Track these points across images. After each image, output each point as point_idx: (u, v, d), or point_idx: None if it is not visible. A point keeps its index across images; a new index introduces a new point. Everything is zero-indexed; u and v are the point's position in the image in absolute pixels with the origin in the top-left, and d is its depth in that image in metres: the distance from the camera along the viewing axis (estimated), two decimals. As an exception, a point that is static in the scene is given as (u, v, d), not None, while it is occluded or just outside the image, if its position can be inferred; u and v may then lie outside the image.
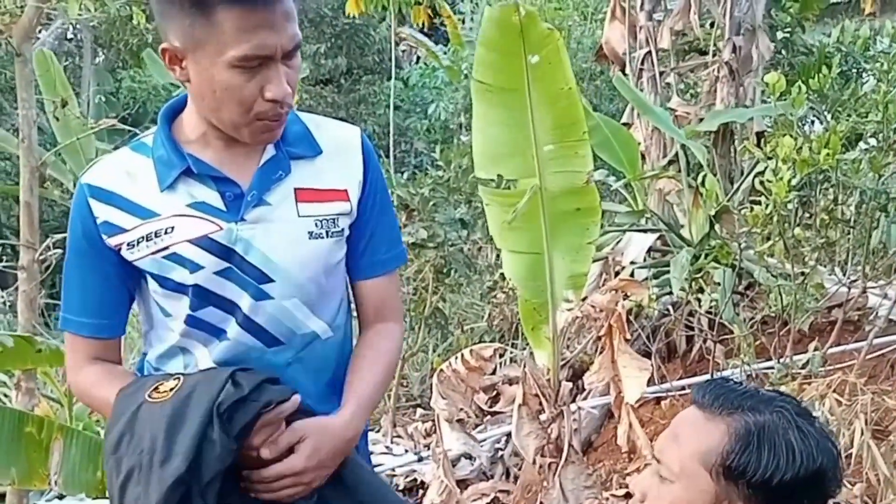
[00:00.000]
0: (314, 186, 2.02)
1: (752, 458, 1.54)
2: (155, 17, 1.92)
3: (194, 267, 1.93)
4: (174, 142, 1.95)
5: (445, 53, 13.55)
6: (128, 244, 1.94)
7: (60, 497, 4.61)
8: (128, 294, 2.04)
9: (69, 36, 15.68)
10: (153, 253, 1.93)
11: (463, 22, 12.72)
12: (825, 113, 5.61)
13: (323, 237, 2.02)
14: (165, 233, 1.93)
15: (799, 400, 1.71)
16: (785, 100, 4.24)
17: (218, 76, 1.81)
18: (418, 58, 15.32)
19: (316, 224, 2.01)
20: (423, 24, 9.79)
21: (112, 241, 1.94)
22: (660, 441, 1.67)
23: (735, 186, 5.86)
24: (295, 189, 2.00)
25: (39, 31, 12.20)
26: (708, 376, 4.67)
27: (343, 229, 2.06)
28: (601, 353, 3.98)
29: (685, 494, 1.58)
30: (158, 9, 1.86)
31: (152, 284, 1.98)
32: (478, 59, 3.85)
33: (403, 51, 15.59)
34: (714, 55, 6.46)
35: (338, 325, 2.13)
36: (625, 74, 6.77)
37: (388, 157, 9.32)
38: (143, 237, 1.93)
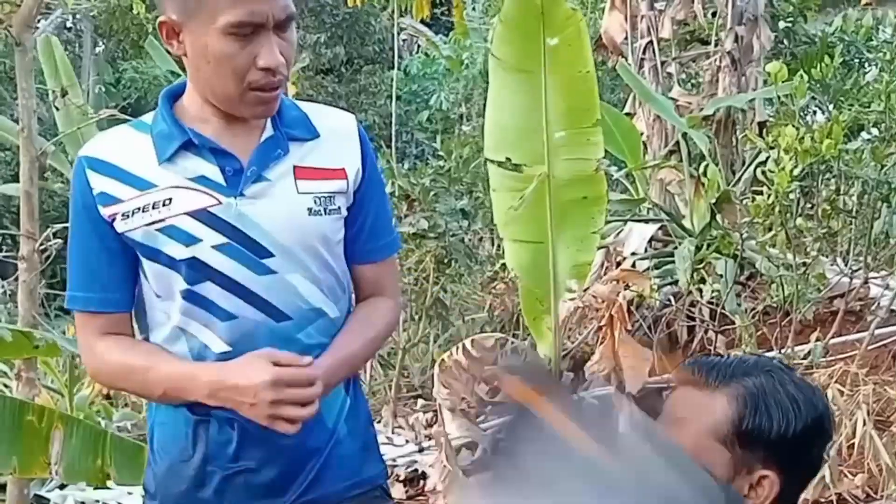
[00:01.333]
0: (313, 165, 2.03)
1: (763, 418, 1.55)
2: None
3: (191, 240, 1.93)
4: (175, 118, 1.96)
5: (446, 43, 13.52)
6: (122, 214, 1.93)
7: (62, 486, 4.61)
8: (131, 268, 2.01)
9: (69, 25, 15.66)
10: (147, 224, 1.92)
11: (464, 10, 12.69)
12: (827, 103, 5.60)
13: (321, 214, 2.02)
14: (163, 205, 1.92)
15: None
16: (787, 91, 4.23)
17: (211, 45, 1.83)
18: (419, 47, 15.30)
19: (314, 201, 2.02)
20: (426, 16, 9.77)
21: (107, 212, 1.93)
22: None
23: (737, 176, 5.85)
24: (294, 167, 2.01)
25: (39, 21, 12.17)
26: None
27: (340, 208, 2.06)
28: (602, 343, 3.98)
29: None
30: None
31: (146, 261, 1.97)
32: (497, 34, 3.83)
33: (404, 40, 15.56)
34: (716, 45, 6.45)
35: (344, 304, 2.13)
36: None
37: (389, 147, 9.30)
38: (138, 208, 1.92)
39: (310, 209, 2.01)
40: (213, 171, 1.94)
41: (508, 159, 3.87)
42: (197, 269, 1.94)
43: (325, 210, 2.03)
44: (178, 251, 1.93)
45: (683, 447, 1.56)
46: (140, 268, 2.00)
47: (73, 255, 2.02)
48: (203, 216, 1.93)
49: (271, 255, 1.97)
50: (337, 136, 2.08)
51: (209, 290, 1.96)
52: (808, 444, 1.59)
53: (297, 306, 2.02)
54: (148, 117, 2.02)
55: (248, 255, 1.96)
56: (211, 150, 1.95)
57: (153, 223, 1.92)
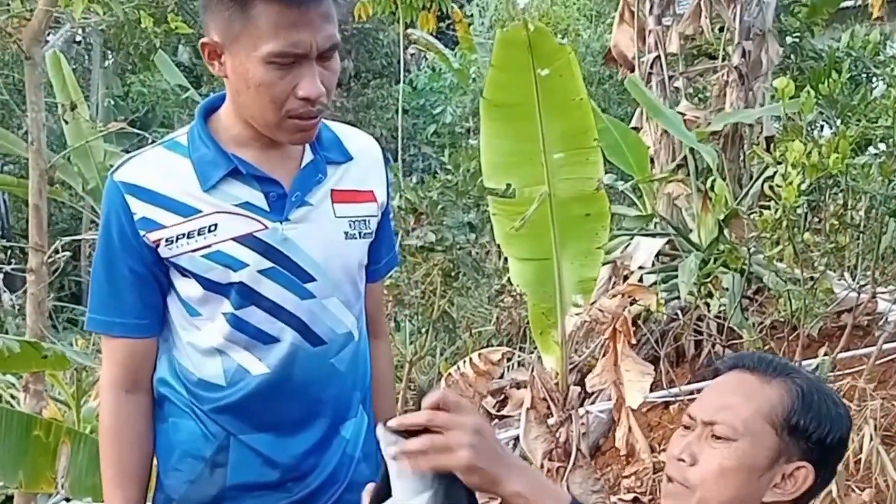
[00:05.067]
0: (347, 188, 2.06)
1: (812, 416, 1.63)
2: (200, 13, 1.94)
3: (239, 265, 1.94)
4: (215, 141, 1.96)
5: (454, 57, 13.55)
6: (166, 240, 1.93)
7: (67, 500, 4.61)
8: (161, 294, 2.02)
9: (78, 39, 15.72)
10: (193, 251, 1.93)
11: (470, 24, 12.72)
12: (835, 118, 5.59)
13: (356, 238, 2.07)
14: (209, 231, 1.93)
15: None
16: (794, 108, 4.23)
17: (253, 71, 1.83)
18: (426, 61, 15.33)
19: (350, 224, 2.05)
20: (431, 29, 9.80)
21: (150, 237, 1.93)
22: (705, 406, 1.70)
23: (744, 191, 5.85)
24: (332, 190, 2.03)
25: (49, 35, 12.23)
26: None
27: (372, 232, 2.11)
28: (605, 356, 3.98)
29: (749, 450, 1.63)
30: (204, 2, 1.88)
31: (186, 284, 1.98)
32: (489, 80, 3.86)
33: (412, 54, 15.60)
34: (723, 59, 6.46)
35: (362, 326, 2.17)
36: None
37: (396, 160, 9.32)
38: (183, 234, 1.93)
39: (346, 233, 2.05)
40: (257, 197, 1.95)
41: (508, 185, 3.89)
42: (243, 294, 1.96)
43: (359, 234, 2.07)
44: (225, 276, 1.95)
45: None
46: (172, 291, 2.01)
47: (102, 277, 2.01)
48: (249, 241, 1.95)
49: (313, 279, 2.00)
50: (367, 159, 2.11)
51: (254, 314, 1.98)
52: (837, 455, 1.69)
53: (332, 331, 2.06)
54: (182, 137, 2.01)
55: (293, 279, 1.98)
56: (255, 177, 1.95)
57: (199, 249, 1.93)
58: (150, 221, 1.93)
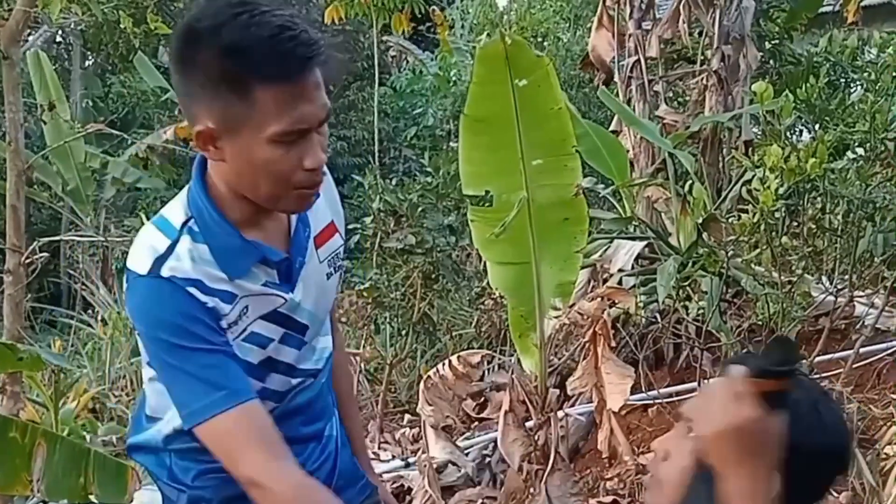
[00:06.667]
0: (322, 226, 2.10)
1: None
2: (179, 98, 1.91)
3: (266, 341, 1.99)
4: (235, 228, 1.94)
5: (433, 60, 13.54)
6: (227, 327, 1.93)
7: (45, 502, 4.59)
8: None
9: (58, 40, 15.63)
10: (236, 336, 1.94)
11: (451, 28, 12.72)
12: (813, 122, 5.62)
13: (333, 274, 2.13)
14: (243, 313, 1.95)
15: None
16: (771, 108, 4.26)
17: (258, 153, 1.81)
18: (407, 63, 15.32)
19: (328, 264, 2.11)
20: (405, 31, 9.81)
21: (222, 324, 1.92)
22: (689, 405, 1.70)
23: (723, 195, 5.86)
24: (314, 238, 2.07)
25: (29, 35, 12.17)
26: (695, 384, 4.68)
27: (343, 262, 2.18)
28: (585, 359, 3.99)
29: None
30: (189, 90, 1.85)
31: None
32: (470, 96, 3.89)
33: (393, 56, 15.59)
34: (703, 64, 6.47)
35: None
36: (611, 82, 6.78)
37: (374, 162, 9.33)
38: (233, 321, 1.93)
39: (328, 274, 2.11)
40: (270, 273, 1.98)
41: (487, 192, 3.91)
42: (267, 366, 2.01)
43: (335, 269, 2.13)
44: (256, 355, 1.98)
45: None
46: None
47: (195, 366, 1.89)
48: (273, 316, 1.99)
49: (307, 328, 2.06)
50: (324, 188, 2.06)
51: (273, 379, 2.04)
52: (818, 465, 1.65)
53: (323, 359, 2.16)
54: (191, 221, 1.94)
55: (298, 337, 2.05)
56: (273, 259, 1.97)
57: (240, 334, 1.95)
58: (216, 311, 1.91)
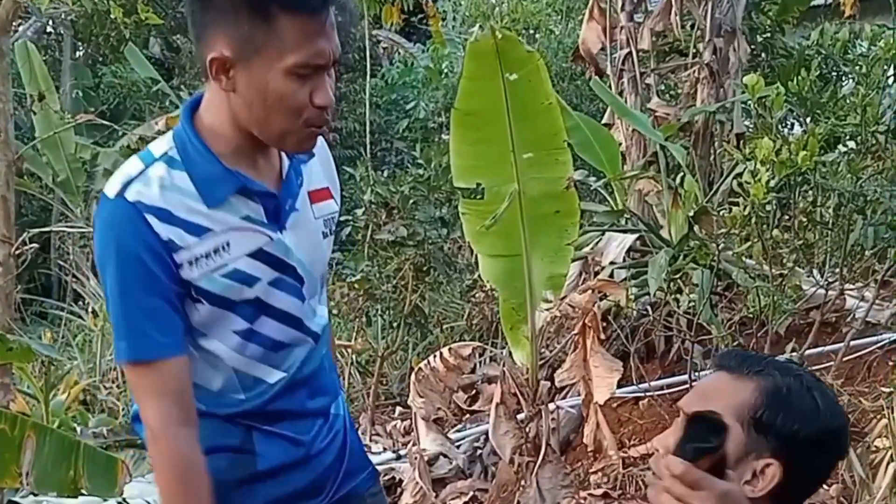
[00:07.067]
0: (316, 187, 2.10)
1: (780, 413, 1.65)
2: (195, 28, 1.91)
3: (253, 280, 1.96)
4: (216, 157, 1.94)
5: (425, 52, 13.51)
6: (188, 262, 1.91)
7: (34, 495, 4.58)
8: (183, 314, 1.98)
9: (49, 30, 15.56)
10: (212, 270, 1.93)
11: (444, 20, 12.70)
12: (804, 115, 5.63)
13: (328, 235, 2.13)
14: (223, 249, 1.93)
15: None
16: (762, 94, 4.26)
17: (272, 83, 1.84)
18: (399, 53, 15.28)
19: (325, 223, 2.11)
20: (393, 24, 9.79)
21: (176, 259, 1.90)
22: (687, 399, 1.76)
23: (714, 188, 5.87)
24: (308, 192, 2.07)
25: (19, 26, 12.11)
26: (686, 377, 4.68)
27: (336, 229, 2.18)
28: (574, 351, 4.00)
29: None
30: (206, 18, 1.86)
31: (195, 305, 1.95)
32: (461, 91, 3.90)
33: (385, 48, 15.55)
34: (694, 56, 6.47)
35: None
36: (601, 75, 6.77)
37: (366, 154, 9.30)
38: (202, 254, 1.92)
39: (324, 233, 2.11)
40: (255, 210, 1.97)
41: (478, 184, 3.92)
42: (257, 308, 1.99)
43: (330, 231, 2.13)
44: (240, 293, 1.96)
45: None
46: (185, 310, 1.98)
47: (131, 302, 1.92)
48: (260, 255, 1.97)
49: (304, 282, 2.05)
50: (321, 154, 2.14)
51: (267, 325, 2.01)
52: (817, 451, 1.69)
53: (320, 325, 2.13)
54: (172, 149, 1.95)
55: (295, 285, 2.03)
56: (256, 191, 1.96)
57: (217, 269, 1.93)
58: (175, 243, 1.90)
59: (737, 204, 4.21)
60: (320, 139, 2.11)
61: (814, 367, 4.52)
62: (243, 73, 1.85)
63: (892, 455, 3.75)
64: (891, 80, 5.47)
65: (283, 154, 2.03)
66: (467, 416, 5.83)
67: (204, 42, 1.87)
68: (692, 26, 6.63)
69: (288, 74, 1.83)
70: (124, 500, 3.75)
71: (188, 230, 1.90)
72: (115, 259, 1.90)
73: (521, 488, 4.13)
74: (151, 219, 1.88)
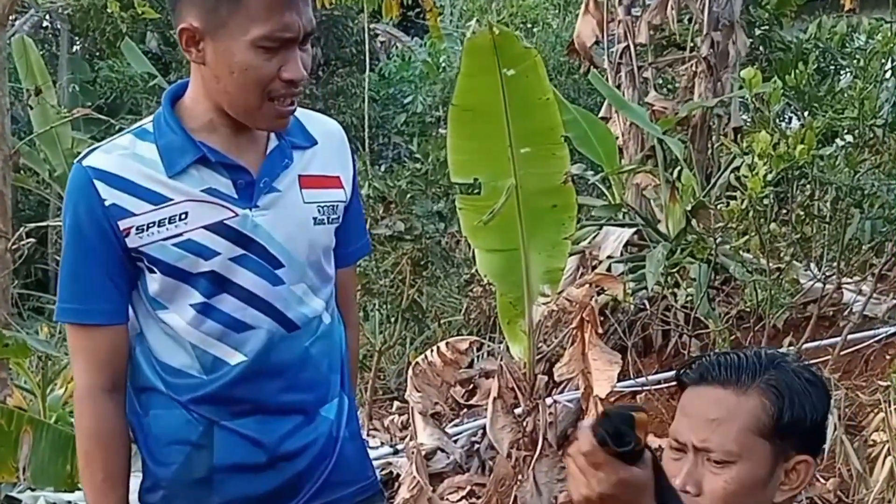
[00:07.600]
0: (314, 173, 2.07)
1: (797, 411, 1.66)
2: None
3: (210, 253, 1.94)
4: (182, 128, 1.95)
5: (422, 46, 13.50)
6: (136, 228, 1.91)
7: (31, 489, 4.58)
8: (130, 282, 2.00)
9: (45, 24, 15.54)
10: (164, 239, 1.92)
11: (441, 14, 12.68)
12: (802, 109, 5.63)
13: (324, 223, 2.08)
14: (179, 219, 1.92)
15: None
16: (760, 90, 4.26)
17: (239, 55, 1.83)
18: (396, 47, 15.27)
19: (318, 210, 2.06)
20: (392, 18, 9.78)
21: (121, 225, 1.91)
22: (691, 430, 1.70)
23: (712, 182, 5.87)
24: (299, 176, 2.04)
25: (16, 20, 12.09)
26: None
27: (339, 217, 2.11)
28: (572, 345, 3.99)
29: (750, 467, 1.65)
30: None
31: (151, 275, 1.96)
32: (459, 88, 3.90)
33: (382, 42, 15.53)
34: (692, 50, 6.46)
35: (333, 310, 2.18)
36: (597, 69, 6.76)
37: (363, 149, 9.29)
38: (153, 222, 1.91)
39: (315, 218, 2.05)
40: (224, 184, 1.95)
41: (475, 179, 3.92)
42: (215, 282, 1.96)
43: (327, 219, 2.08)
44: (195, 265, 1.94)
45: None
46: (137, 285, 1.99)
47: (73, 264, 1.98)
48: (220, 229, 1.94)
49: (282, 265, 2.00)
50: (332, 143, 2.12)
51: (226, 301, 1.98)
52: (825, 426, 1.75)
53: (303, 315, 2.06)
54: (148, 124, 1.99)
55: (265, 265, 1.98)
56: (223, 164, 1.95)
57: (170, 238, 1.92)
58: (121, 209, 1.91)
59: (734, 198, 4.21)
60: (340, 131, 2.12)
61: (811, 362, 4.52)
62: (211, 45, 1.85)
63: (889, 449, 3.75)
64: (888, 74, 5.47)
65: (274, 135, 2.02)
66: (465, 410, 5.83)
67: (177, 13, 1.88)
68: (690, 20, 6.63)
69: (254, 47, 1.82)
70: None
71: (143, 197, 1.91)
72: (65, 223, 1.96)
73: (518, 482, 4.13)
74: (99, 184, 1.91)
